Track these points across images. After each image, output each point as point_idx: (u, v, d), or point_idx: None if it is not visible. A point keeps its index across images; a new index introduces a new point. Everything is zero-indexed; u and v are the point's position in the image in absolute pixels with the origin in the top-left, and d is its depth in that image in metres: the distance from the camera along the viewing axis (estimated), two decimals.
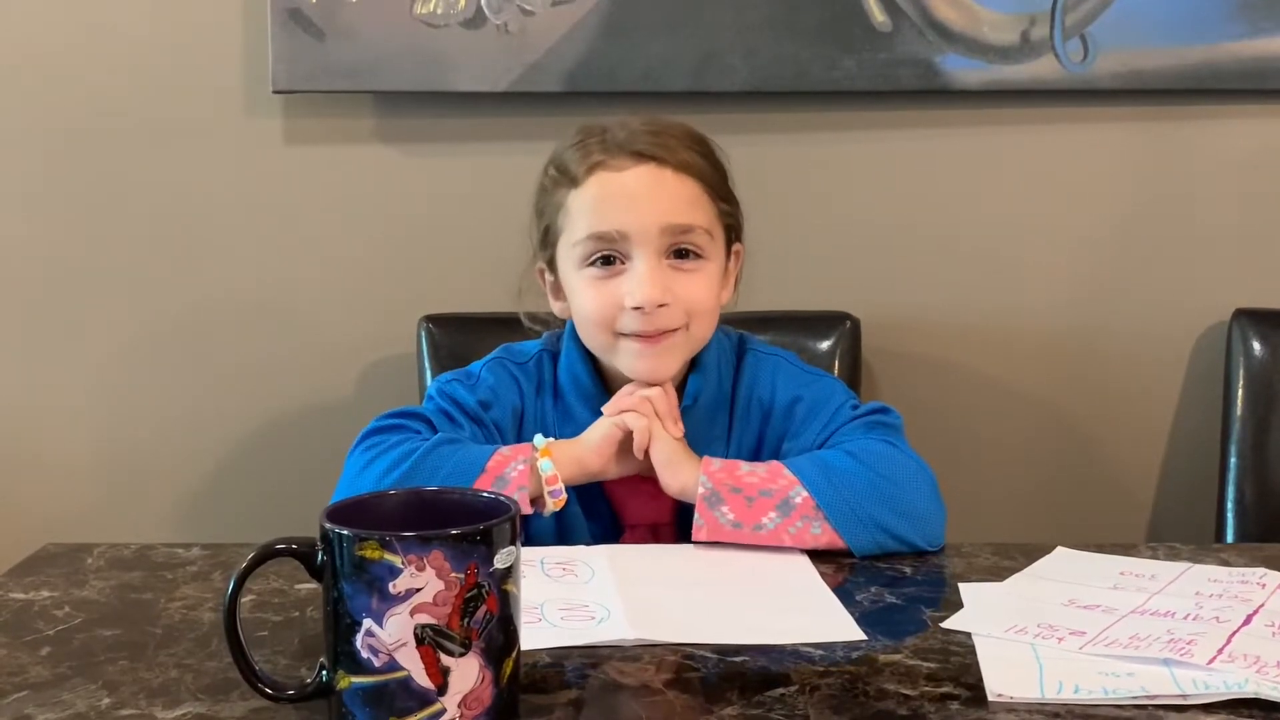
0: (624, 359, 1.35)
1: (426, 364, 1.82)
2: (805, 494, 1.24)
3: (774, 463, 1.29)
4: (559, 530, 1.35)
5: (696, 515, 1.24)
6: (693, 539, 1.24)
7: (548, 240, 1.39)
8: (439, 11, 1.85)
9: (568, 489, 1.30)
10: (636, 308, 1.31)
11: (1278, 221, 1.94)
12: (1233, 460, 1.86)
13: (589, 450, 1.31)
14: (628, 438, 1.31)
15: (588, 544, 1.28)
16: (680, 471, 1.29)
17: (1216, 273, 1.94)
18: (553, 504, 1.28)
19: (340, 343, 1.97)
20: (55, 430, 1.99)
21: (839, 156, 1.94)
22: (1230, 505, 1.86)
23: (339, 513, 0.84)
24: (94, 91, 1.92)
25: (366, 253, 1.96)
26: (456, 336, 1.82)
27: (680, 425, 1.34)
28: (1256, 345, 1.85)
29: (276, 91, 1.88)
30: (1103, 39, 1.86)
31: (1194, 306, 1.95)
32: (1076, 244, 1.95)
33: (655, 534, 1.37)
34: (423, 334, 1.83)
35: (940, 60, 1.86)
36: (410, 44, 1.85)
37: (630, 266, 1.32)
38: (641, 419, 1.31)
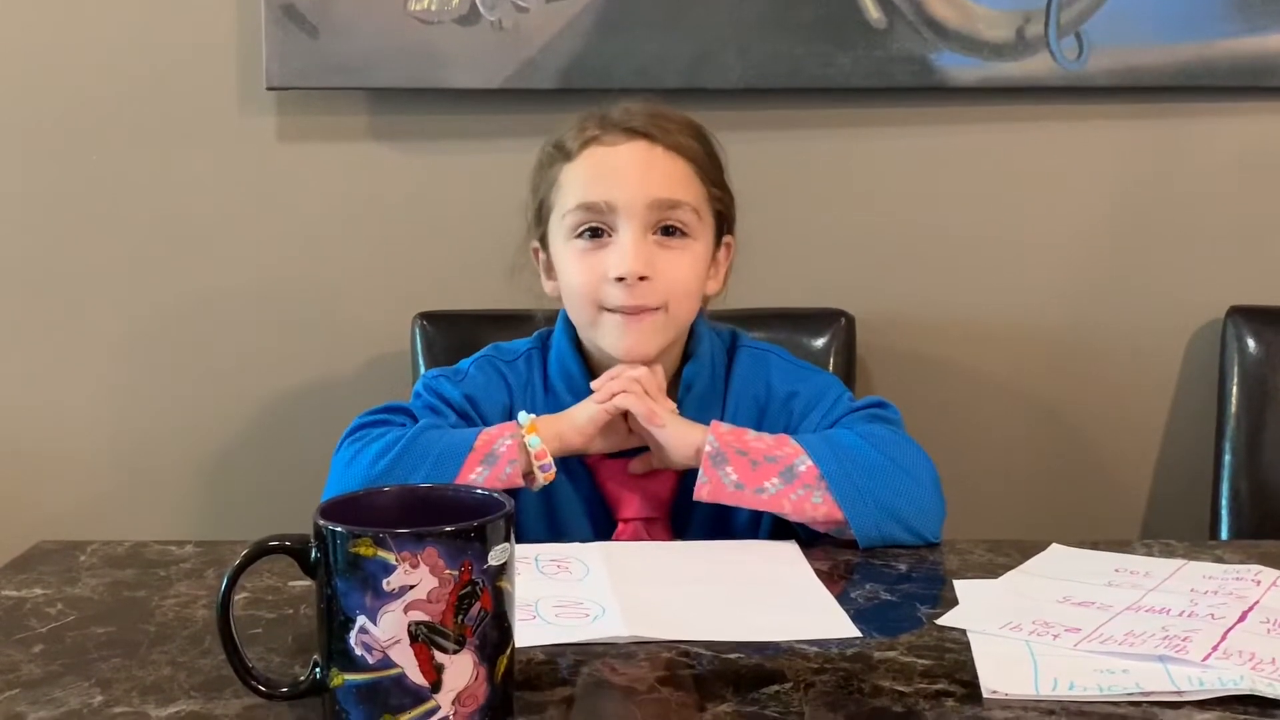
0: (606, 334, 1.35)
1: (421, 361, 1.81)
2: (810, 463, 1.25)
3: (782, 434, 1.30)
4: (551, 524, 1.36)
5: (700, 473, 1.25)
6: (694, 497, 1.25)
7: (541, 216, 1.41)
8: (433, 8, 1.84)
9: (562, 481, 1.31)
10: (619, 279, 1.31)
11: (1272, 219, 1.94)
12: (1227, 457, 1.86)
13: (572, 428, 1.32)
14: (614, 417, 1.32)
15: (580, 538, 1.28)
16: (686, 433, 1.30)
17: (1211, 270, 1.94)
18: (543, 478, 1.29)
19: (334, 340, 1.96)
20: (48, 428, 1.98)
21: (833, 154, 1.93)
22: (1225, 502, 1.86)
23: (332, 510, 0.84)
24: (88, 89, 1.91)
25: (361, 250, 1.95)
26: (451, 333, 1.82)
27: (671, 404, 1.34)
28: (1251, 343, 1.85)
29: (270, 88, 1.87)
30: (1097, 36, 1.86)
31: (1189, 304, 1.95)
32: (1071, 241, 1.95)
33: (648, 528, 1.37)
34: (417, 331, 1.83)
35: (935, 57, 1.86)
36: (404, 40, 1.84)
37: (616, 239, 1.33)
38: (632, 397, 1.31)
